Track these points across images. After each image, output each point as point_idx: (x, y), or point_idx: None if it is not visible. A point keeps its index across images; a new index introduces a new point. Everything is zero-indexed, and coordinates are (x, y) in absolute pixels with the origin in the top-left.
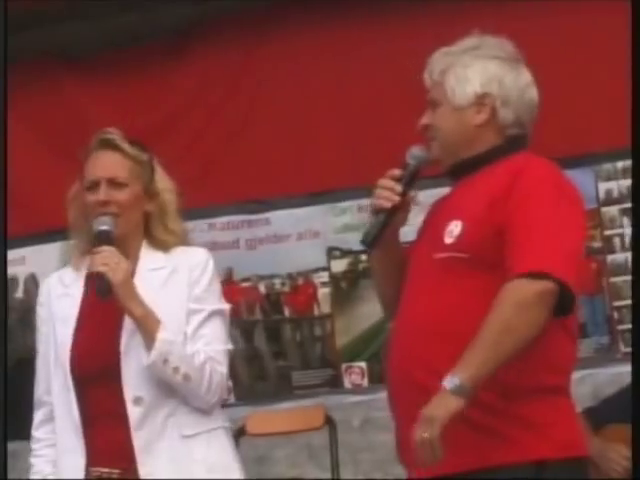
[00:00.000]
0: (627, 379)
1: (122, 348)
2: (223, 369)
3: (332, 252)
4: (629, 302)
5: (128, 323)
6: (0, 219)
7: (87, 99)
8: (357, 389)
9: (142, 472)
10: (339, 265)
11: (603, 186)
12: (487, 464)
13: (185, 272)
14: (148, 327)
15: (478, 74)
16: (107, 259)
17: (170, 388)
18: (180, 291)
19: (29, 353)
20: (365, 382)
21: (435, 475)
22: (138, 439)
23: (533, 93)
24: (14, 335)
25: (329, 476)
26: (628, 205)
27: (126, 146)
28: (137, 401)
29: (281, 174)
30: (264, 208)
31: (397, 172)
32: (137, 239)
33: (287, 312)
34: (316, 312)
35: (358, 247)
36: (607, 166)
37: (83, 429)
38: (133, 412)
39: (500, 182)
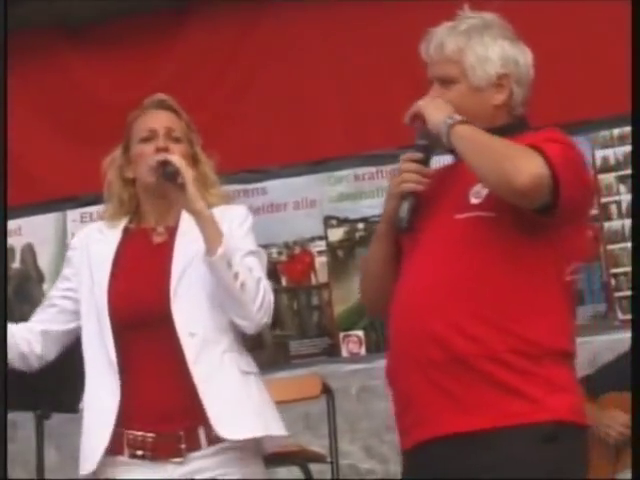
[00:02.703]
0: (624, 346)
1: (172, 290)
2: (272, 296)
3: (329, 221)
4: (626, 269)
5: (175, 269)
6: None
7: (85, 70)
8: (354, 358)
9: (205, 403)
10: (336, 234)
11: (599, 153)
12: (509, 422)
13: (226, 224)
14: (214, 227)
15: (497, 54)
16: (179, 159)
17: (222, 325)
18: None
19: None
20: (362, 351)
21: (458, 431)
22: (197, 372)
23: (532, 72)
24: (11, 304)
25: (327, 444)
26: (624, 172)
27: (179, 109)
28: (192, 336)
29: (277, 144)
30: (260, 177)
31: (417, 155)
32: None
33: (284, 281)
34: (313, 281)
35: (354, 215)
36: (603, 133)
37: (121, 374)
38: (189, 345)
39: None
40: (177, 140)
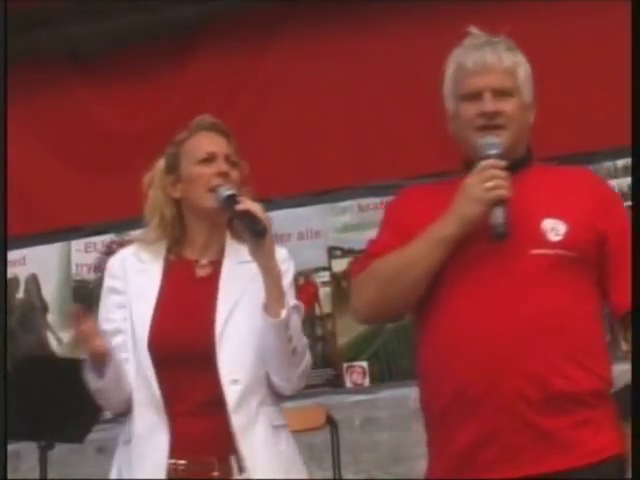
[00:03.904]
0: (627, 377)
1: (217, 333)
2: (311, 360)
3: (333, 251)
4: None
5: (222, 310)
6: (0, 221)
7: (90, 99)
8: (358, 388)
9: (244, 453)
10: (340, 264)
11: None
12: (600, 457)
13: None
14: (280, 287)
15: (531, 75)
16: (259, 205)
17: (262, 375)
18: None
19: (30, 353)
20: (366, 381)
21: (554, 470)
22: (237, 421)
23: None
24: (15, 335)
25: (330, 476)
26: (628, 203)
27: (231, 134)
28: (235, 383)
29: (281, 174)
30: (264, 207)
31: (502, 163)
32: (222, 231)
33: None
34: (317, 312)
35: (359, 246)
36: (607, 164)
37: (166, 409)
38: (231, 392)
39: (586, 191)
40: (234, 165)
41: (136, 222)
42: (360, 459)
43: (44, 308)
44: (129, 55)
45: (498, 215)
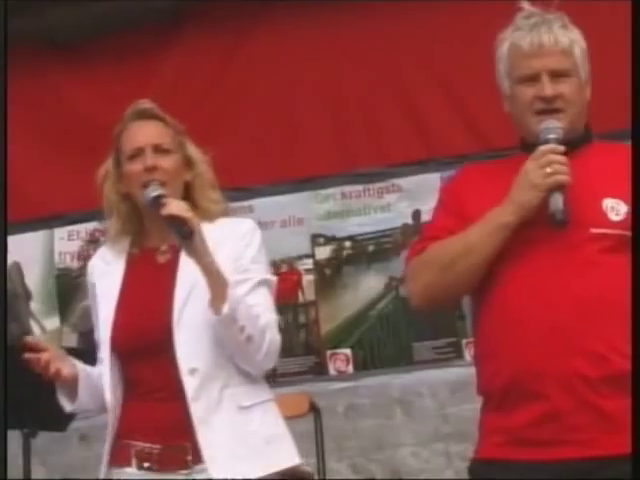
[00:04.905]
0: None
1: (174, 321)
2: (278, 337)
3: (316, 239)
4: None
5: (179, 296)
6: (1, 222)
7: (72, 85)
8: (341, 376)
9: (202, 444)
10: (323, 252)
11: None
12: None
13: (231, 243)
14: (219, 281)
15: (586, 51)
16: (185, 205)
17: (223, 359)
18: (226, 263)
19: (13, 342)
20: (350, 369)
21: (616, 453)
22: (196, 410)
23: None
24: None
25: (314, 463)
26: None
27: (165, 115)
28: (192, 372)
29: (264, 162)
30: (247, 195)
31: (560, 148)
32: None
33: None
34: (300, 299)
35: (342, 234)
36: None
37: (124, 403)
38: (189, 383)
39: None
40: (166, 152)
41: None
42: (343, 446)
43: (27, 296)
44: (110, 41)
45: (557, 201)
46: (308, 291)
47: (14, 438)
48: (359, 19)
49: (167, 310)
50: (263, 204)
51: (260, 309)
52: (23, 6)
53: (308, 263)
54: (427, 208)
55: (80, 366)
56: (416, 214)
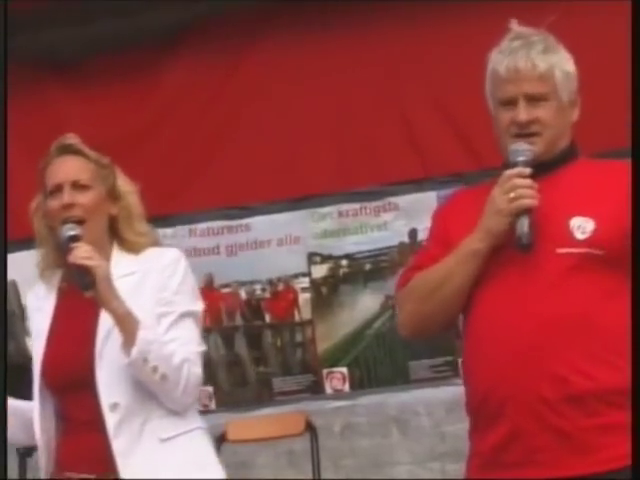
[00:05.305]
0: None
1: (96, 354)
2: (199, 370)
3: (312, 257)
4: None
5: (101, 330)
6: (1, 222)
7: (70, 104)
8: (338, 394)
9: (123, 477)
10: (319, 270)
11: None
12: (623, 463)
13: (155, 275)
14: (128, 325)
15: (573, 71)
16: (89, 253)
17: (145, 393)
18: (151, 295)
19: (8, 360)
20: (346, 387)
21: (575, 474)
22: (117, 445)
23: None
24: None
25: None
26: None
27: (87, 150)
28: (113, 407)
29: (261, 180)
30: (244, 214)
31: (527, 170)
32: (107, 244)
33: (267, 318)
34: (297, 318)
35: (338, 252)
36: None
37: (57, 436)
38: (110, 419)
39: (617, 185)
40: (85, 188)
41: None
42: (340, 465)
43: (23, 315)
44: (109, 59)
45: (522, 225)
46: (304, 310)
47: (11, 454)
48: (358, 38)
49: (90, 345)
50: (260, 222)
51: (176, 345)
52: (23, 24)
53: (305, 282)
54: (424, 227)
55: (10, 402)
56: (413, 233)
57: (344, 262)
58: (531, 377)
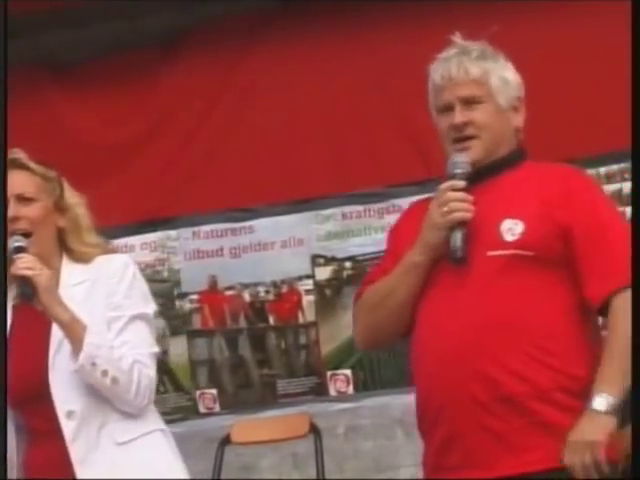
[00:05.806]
0: None
1: (49, 364)
2: (151, 372)
3: (316, 260)
4: None
5: (53, 340)
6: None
7: (69, 108)
8: (342, 397)
9: None
10: (323, 273)
11: None
12: (559, 463)
13: (105, 281)
14: (75, 332)
15: (513, 78)
16: (30, 263)
17: (100, 398)
18: (101, 302)
19: None
20: (350, 390)
21: (509, 474)
22: (74, 452)
23: None
24: None
25: None
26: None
27: (32, 164)
28: (69, 415)
29: (265, 182)
30: (248, 216)
31: (460, 183)
32: (55, 256)
33: (271, 320)
34: (301, 320)
35: (342, 254)
36: (590, 172)
37: (21, 449)
38: (67, 426)
39: (549, 186)
40: (30, 201)
41: (110, 232)
42: (344, 467)
43: None
44: (108, 62)
45: (456, 239)
46: (308, 312)
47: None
48: (359, 40)
49: (43, 356)
50: (263, 224)
51: (127, 348)
52: (22, 28)
53: (308, 284)
54: None
55: None
56: None
57: (348, 264)
58: (464, 381)
